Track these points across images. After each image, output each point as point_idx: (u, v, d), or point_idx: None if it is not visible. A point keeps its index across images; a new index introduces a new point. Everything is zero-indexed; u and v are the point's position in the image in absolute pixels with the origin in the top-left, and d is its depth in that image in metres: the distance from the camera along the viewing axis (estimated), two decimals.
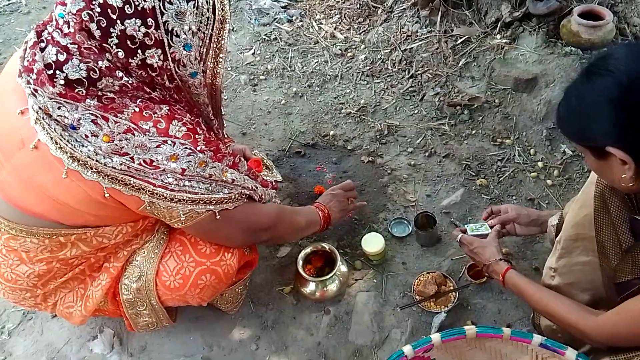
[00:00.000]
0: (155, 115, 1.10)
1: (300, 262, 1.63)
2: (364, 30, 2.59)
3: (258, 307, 1.67)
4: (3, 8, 3.15)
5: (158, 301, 1.39)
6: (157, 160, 1.10)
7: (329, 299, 1.64)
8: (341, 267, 1.65)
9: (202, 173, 1.16)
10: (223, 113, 1.37)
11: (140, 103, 1.10)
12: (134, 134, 1.08)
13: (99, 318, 1.65)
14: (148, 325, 1.48)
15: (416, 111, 2.20)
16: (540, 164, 1.94)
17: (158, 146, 1.09)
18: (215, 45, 1.15)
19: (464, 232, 1.54)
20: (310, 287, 1.63)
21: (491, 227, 1.49)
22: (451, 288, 1.62)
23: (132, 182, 1.10)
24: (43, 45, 1.06)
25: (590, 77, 0.93)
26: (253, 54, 2.59)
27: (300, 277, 1.62)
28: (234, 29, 2.74)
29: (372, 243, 1.69)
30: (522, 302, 1.54)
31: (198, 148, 1.14)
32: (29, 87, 1.05)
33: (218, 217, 1.23)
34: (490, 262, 1.39)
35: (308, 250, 1.66)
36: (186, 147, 1.12)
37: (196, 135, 1.14)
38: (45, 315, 1.69)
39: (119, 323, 1.64)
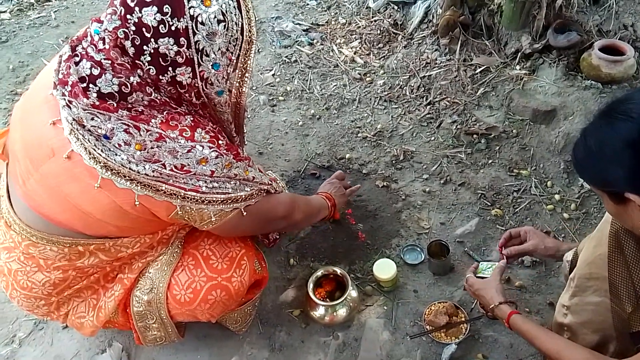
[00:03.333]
0: (181, 124, 1.14)
1: (310, 285, 1.62)
2: (384, 56, 2.62)
3: (267, 328, 1.66)
4: (33, 21, 3.24)
5: (168, 315, 1.40)
6: (188, 165, 1.13)
7: (338, 324, 1.63)
8: (352, 292, 1.64)
9: (228, 173, 1.19)
10: (245, 131, 1.40)
11: (166, 114, 1.14)
12: (165, 141, 1.11)
13: (109, 332, 1.66)
14: (156, 339, 1.48)
15: (433, 138, 2.21)
16: (557, 196, 1.92)
17: (188, 151, 1.13)
18: (241, 65, 1.19)
19: (477, 268, 1.53)
20: (320, 311, 1.62)
21: (506, 256, 1.46)
22: (462, 319, 1.60)
23: (164, 188, 1.13)
24: (77, 59, 1.09)
25: (610, 120, 0.91)
26: (273, 75, 2.63)
27: (311, 301, 1.62)
28: (256, 50, 2.78)
29: (384, 269, 1.68)
30: None
31: (222, 151, 1.18)
32: (64, 99, 1.09)
33: (244, 213, 1.26)
34: (492, 307, 1.34)
35: (319, 273, 1.66)
36: (213, 150, 1.15)
37: (219, 141, 1.18)
38: (56, 326, 1.70)
39: (127, 338, 1.64)
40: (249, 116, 2.40)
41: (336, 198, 1.76)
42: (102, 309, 1.39)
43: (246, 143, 2.22)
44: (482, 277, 1.46)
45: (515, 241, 1.51)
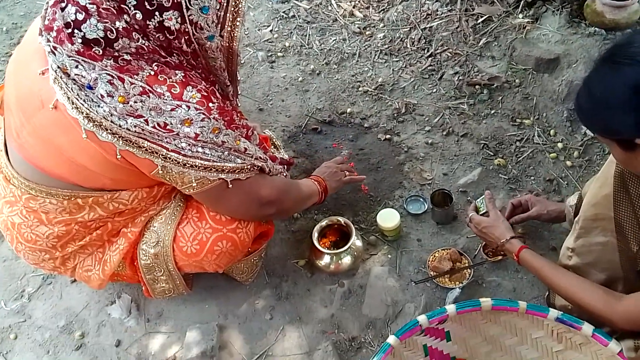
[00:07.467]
0: (170, 80, 1.11)
1: (315, 235, 1.63)
2: (383, 9, 2.56)
3: (273, 278, 1.68)
4: None
5: (175, 267, 1.41)
6: (171, 124, 1.10)
7: (343, 272, 1.65)
8: (356, 242, 1.66)
9: (215, 139, 1.16)
10: (239, 79, 1.37)
11: (156, 67, 1.10)
12: (149, 96, 1.08)
13: (117, 284, 1.68)
14: (165, 291, 1.50)
15: (434, 90, 2.18)
16: (560, 144, 1.91)
17: (172, 109, 1.10)
18: (232, 9, 1.15)
19: (476, 209, 1.57)
20: (325, 260, 1.64)
21: (516, 222, 1.49)
22: (466, 265, 1.62)
23: (145, 145, 1.11)
24: (63, 5, 1.06)
25: (614, 66, 0.89)
26: (271, 31, 2.58)
27: (315, 250, 1.63)
28: (253, 6, 2.72)
29: (388, 219, 1.69)
30: (537, 281, 1.53)
31: (212, 115, 1.14)
32: (49, 45, 1.06)
33: (230, 186, 1.23)
34: (503, 242, 1.40)
35: (323, 223, 1.67)
36: (200, 112, 1.12)
37: (210, 104, 1.14)
38: (65, 280, 1.72)
39: (136, 289, 1.66)
40: (247, 73, 2.37)
41: (329, 183, 1.66)
42: (108, 262, 1.40)
43: (244, 100, 2.21)
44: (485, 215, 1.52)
45: (518, 210, 1.59)
